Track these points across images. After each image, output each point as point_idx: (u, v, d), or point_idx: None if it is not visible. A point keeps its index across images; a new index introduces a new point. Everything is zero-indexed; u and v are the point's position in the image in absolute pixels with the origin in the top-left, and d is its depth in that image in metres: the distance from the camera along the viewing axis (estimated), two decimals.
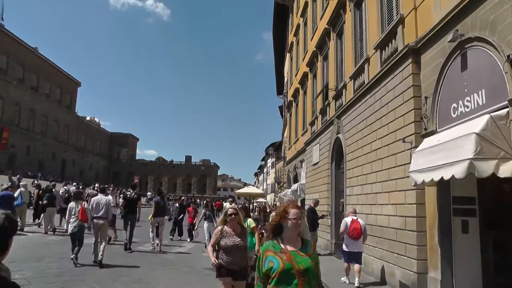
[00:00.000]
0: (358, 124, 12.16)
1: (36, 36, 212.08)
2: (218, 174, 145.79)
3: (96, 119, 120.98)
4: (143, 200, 31.77)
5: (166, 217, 14.43)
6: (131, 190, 14.77)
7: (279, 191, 47.04)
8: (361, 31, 13.07)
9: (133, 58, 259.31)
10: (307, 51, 22.34)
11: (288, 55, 31.79)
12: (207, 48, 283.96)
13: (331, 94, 15.81)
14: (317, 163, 17.61)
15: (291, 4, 30.50)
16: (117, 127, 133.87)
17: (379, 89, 10.53)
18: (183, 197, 40.62)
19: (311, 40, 20.83)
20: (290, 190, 26.16)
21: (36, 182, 18.69)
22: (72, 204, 10.65)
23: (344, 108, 13.69)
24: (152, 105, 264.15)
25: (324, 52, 17.79)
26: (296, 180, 24.41)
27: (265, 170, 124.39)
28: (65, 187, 24.56)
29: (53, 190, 16.62)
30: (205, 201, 30.42)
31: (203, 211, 14.66)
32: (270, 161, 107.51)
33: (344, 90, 14.18)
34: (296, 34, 26.99)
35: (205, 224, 14.06)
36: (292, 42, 28.94)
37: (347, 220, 9.78)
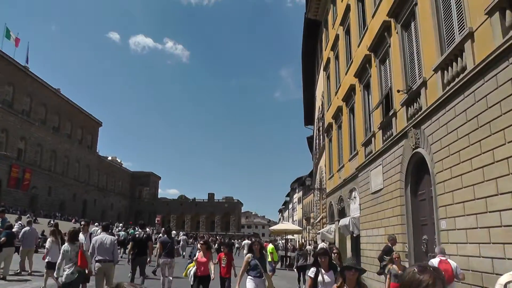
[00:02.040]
0: (458, 129, 8.58)
1: (58, 78, 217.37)
2: (242, 211, 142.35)
3: (118, 159, 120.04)
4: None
5: (175, 259, 12.51)
6: (140, 230, 13.17)
7: (309, 227, 42.96)
8: (447, 4, 9.66)
9: (154, 99, 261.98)
10: (352, 61, 19.05)
11: (322, 74, 28.55)
12: (225, 87, 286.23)
13: (398, 99, 12.32)
14: (379, 190, 13.92)
15: (325, 18, 27.53)
16: (138, 168, 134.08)
17: (505, 68, 7.01)
18: (203, 235, 37.33)
19: (359, 46, 17.58)
20: (333, 226, 22.39)
21: None
22: (66, 246, 8.23)
23: (427, 113, 10.16)
24: (173, 145, 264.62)
25: (382, 52, 14.41)
26: (342, 213, 20.61)
27: (290, 206, 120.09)
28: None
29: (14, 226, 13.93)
30: (247, 241, 26.56)
31: (245, 257, 8.35)
32: (296, 196, 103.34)
33: (423, 90, 10.64)
34: (333, 47, 23.82)
35: (250, 282, 7.84)
36: (328, 59, 25.78)
37: (434, 261, 7.91)
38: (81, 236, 8.24)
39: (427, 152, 10.22)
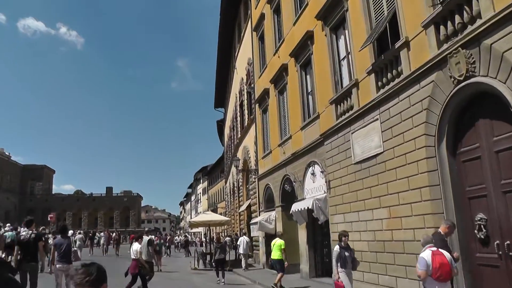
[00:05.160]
0: None
1: None
2: (142, 205, 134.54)
3: (6, 152, 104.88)
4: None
5: (73, 264, 9.93)
6: (26, 228, 10.25)
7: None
8: None
9: (46, 87, 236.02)
10: (307, 3, 15.06)
11: (251, 36, 24.19)
12: (121, 77, 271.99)
13: (414, 23, 8.46)
14: (374, 156, 9.98)
15: None
16: (30, 162, 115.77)
17: None
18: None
19: None
20: (273, 213, 18.37)
21: None
22: None
23: (499, 19, 6.36)
24: (68, 138, 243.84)
25: None
26: (290, 197, 16.56)
27: (193, 198, 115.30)
28: None
29: None
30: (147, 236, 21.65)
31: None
32: (200, 187, 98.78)
33: None
34: None
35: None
36: (262, 15, 21.53)
37: (425, 255, 5.93)
38: None
39: (502, 77, 6.40)
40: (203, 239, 51.62)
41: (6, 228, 21.94)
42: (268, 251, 20.30)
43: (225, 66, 39.76)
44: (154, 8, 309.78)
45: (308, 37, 14.69)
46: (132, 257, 11.32)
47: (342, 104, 12.00)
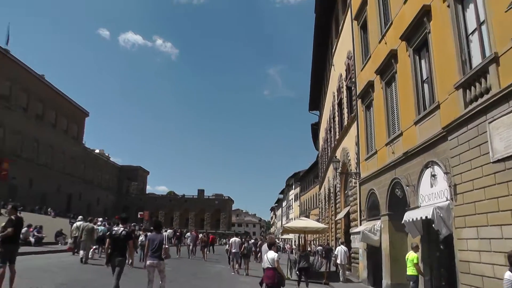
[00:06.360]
0: None
1: (43, 67, 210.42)
2: (232, 209, 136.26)
3: (106, 153, 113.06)
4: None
5: (164, 261, 10.01)
6: (120, 225, 10.37)
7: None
8: None
9: (143, 96, 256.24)
10: None
11: (352, 26, 21.99)
12: (215, 84, 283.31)
13: None
14: None
15: None
16: (127, 163, 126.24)
17: None
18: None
19: None
20: (378, 223, 16.04)
21: None
22: None
23: None
24: (162, 142, 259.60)
25: None
26: (399, 204, 14.14)
27: (284, 204, 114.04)
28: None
29: None
30: (235, 238, 20.53)
31: None
32: (292, 193, 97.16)
33: None
34: None
35: None
36: (364, 0, 19.37)
37: None
38: None
39: None
40: (294, 246, 49.81)
41: (99, 223, 22.21)
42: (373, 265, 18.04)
43: (320, 66, 38.14)
44: (245, 19, 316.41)
45: (424, 13, 12.27)
46: (267, 266, 9.57)
47: (473, 87, 9.48)
